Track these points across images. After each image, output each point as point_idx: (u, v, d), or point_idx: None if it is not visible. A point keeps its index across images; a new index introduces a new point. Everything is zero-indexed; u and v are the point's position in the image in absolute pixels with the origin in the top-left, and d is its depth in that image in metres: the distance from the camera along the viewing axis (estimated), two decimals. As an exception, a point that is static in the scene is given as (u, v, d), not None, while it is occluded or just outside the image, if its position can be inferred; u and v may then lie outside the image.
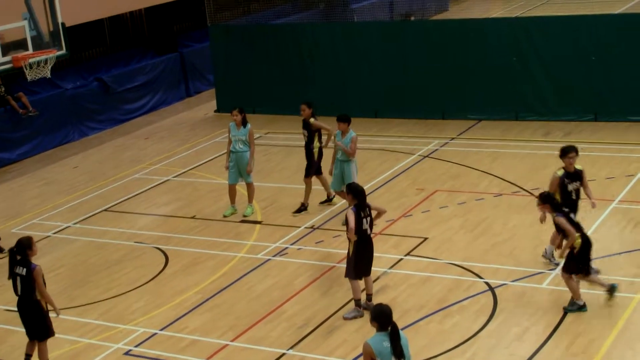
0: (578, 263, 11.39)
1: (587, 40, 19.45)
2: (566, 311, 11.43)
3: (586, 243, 11.41)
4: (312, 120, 15.33)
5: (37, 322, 10.77)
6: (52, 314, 10.89)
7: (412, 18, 25.88)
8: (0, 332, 12.53)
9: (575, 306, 11.45)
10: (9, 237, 15.51)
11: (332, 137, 14.99)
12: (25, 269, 10.59)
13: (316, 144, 15.47)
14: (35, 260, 10.80)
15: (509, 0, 36.53)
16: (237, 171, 15.69)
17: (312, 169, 15.61)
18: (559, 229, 11.45)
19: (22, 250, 10.66)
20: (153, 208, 17.13)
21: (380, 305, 8.21)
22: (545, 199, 11.57)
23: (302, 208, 15.68)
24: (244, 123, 15.52)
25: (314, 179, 15.71)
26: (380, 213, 11.89)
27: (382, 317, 8.05)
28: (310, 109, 15.35)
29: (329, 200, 15.84)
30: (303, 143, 15.72)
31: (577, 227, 11.44)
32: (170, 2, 24.82)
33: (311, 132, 15.36)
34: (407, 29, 21.82)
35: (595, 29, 19.46)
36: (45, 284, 10.75)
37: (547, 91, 20.00)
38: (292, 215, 15.56)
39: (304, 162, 15.73)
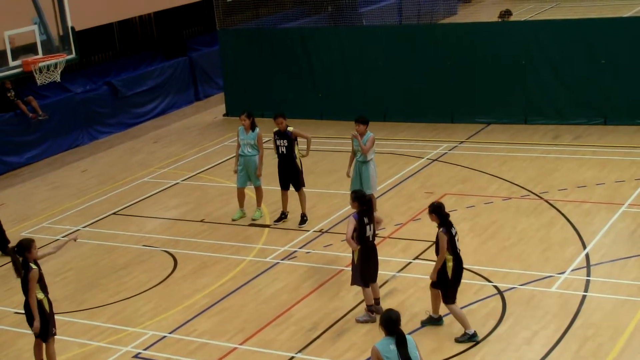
0: (455, 288, 11.08)
1: (596, 43, 19.40)
2: (457, 341, 11.07)
3: (459, 266, 11.05)
4: (291, 128, 15.20)
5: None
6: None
7: (510, 18, 25.36)
8: (10, 334, 12.56)
9: (466, 336, 11.04)
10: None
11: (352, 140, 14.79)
12: (23, 271, 10.59)
13: (297, 153, 15.36)
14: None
15: (518, 4, 36.46)
16: (246, 175, 15.70)
17: (302, 177, 15.40)
18: (437, 244, 11.03)
19: (21, 252, 10.65)
20: (162, 211, 17.16)
21: (389, 310, 8.29)
22: (434, 209, 11.07)
23: (305, 218, 15.57)
24: (252, 127, 15.53)
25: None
26: (378, 223, 11.87)
27: (389, 323, 8.20)
28: (285, 119, 15.22)
29: (284, 217, 15.71)
30: (303, 148, 15.42)
31: (454, 250, 10.99)
32: (180, 7, 24.91)
33: (291, 142, 15.24)
34: (416, 33, 21.81)
35: (604, 33, 19.42)
36: (46, 286, 10.75)
37: (556, 95, 19.96)
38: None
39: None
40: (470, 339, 11.00)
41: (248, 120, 15.48)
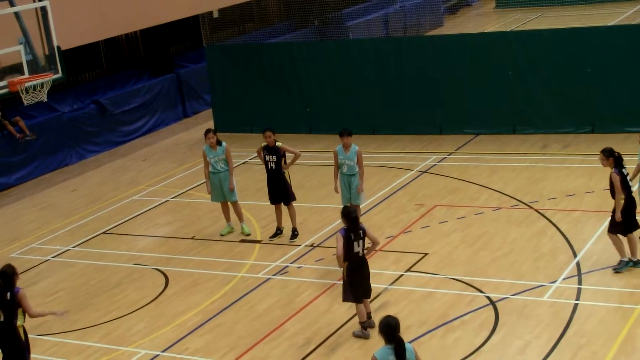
0: (623, 221, 12.36)
1: (582, 52, 19.49)
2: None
3: (630, 204, 12.35)
4: (280, 143, 15.19)
5: (14, 348, 10.55)
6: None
7: None
8: None
9: (622, 264, 12.51)
10: (8, 262, 15.43)
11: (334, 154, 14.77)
12: (9, 294, 10.46)
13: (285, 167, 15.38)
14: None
15: (503, 15, 36.67)
16: (221, 191, 15.68)
17: (292, 190, 15.38)
18: (611, 186, 12.14)
19: (9, 279, 10.49)
20: (152, 229, 17.11)
21: (387, 317, 8.31)
22: (609, 154, 12.20)
23: (296, 233, 15.54)
24: (219, 143, 15.57)
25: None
26: (374, 244, 11.70)
27: (388, 329, 8.19)
28: (273, 133, 15.20)
29: (279, 233, 15.67)
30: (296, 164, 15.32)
31: (627, 189, 12.26)
32: (166, 24, 24.90)
33: (280, 157, 15.26)
34: (403, 46, 21.86)
35: (589, 41, 19.50)
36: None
37: (544, 104, 20.02)
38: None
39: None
40: (627, 265, 12.55)
41: (215, 138, 15.53)
